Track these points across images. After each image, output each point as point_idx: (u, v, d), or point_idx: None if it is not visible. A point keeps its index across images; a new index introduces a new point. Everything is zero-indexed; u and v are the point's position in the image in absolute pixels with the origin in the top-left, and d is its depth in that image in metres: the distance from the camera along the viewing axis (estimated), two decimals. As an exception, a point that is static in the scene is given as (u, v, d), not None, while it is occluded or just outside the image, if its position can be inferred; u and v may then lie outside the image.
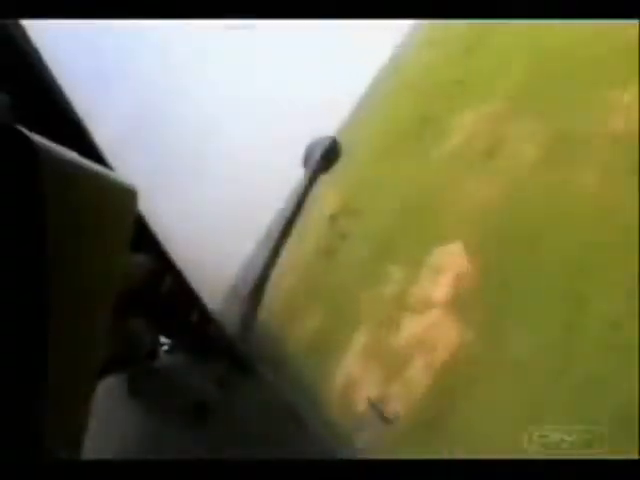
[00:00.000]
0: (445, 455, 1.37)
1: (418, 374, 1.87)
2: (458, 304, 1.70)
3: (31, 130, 0.68)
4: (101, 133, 1.47)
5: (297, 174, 3.41)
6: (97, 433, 1.38)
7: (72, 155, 0.79)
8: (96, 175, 0.93)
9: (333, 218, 2.76)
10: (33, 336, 0.72)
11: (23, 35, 1.06)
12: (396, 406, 3.31)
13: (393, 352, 1.90)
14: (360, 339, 2.11)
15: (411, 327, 1.89)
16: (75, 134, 1.32)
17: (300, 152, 3.52)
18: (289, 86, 3.18)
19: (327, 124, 3.40)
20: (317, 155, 3.36)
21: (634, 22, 1.32)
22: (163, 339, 2.33)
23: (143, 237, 1.94)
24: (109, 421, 1.64)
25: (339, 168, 3.41)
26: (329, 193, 3.05)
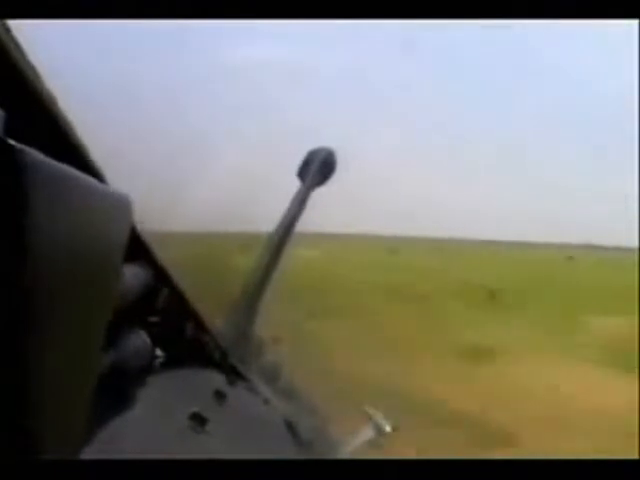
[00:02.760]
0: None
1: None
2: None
3: (23, 142, 0.67)
4: (97, 145, 1.47)
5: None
6: (94, 444, 1.37)
7: (64, 167, 0.79)
8: (89, 187, 0.92)
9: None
10: (15, 341, 0.71)
11: (14, 43, 1.06)
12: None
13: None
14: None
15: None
16: (69, 146, 1.32)
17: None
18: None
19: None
20: (314, 167, 3.35)
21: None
22: (159, 352, 2.32)
23: (138, 249, 1.94)
24: (106, 433, 1.62)
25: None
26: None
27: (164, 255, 2.15)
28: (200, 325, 2.58)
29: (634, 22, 1.44)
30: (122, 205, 1.07)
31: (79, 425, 1.04)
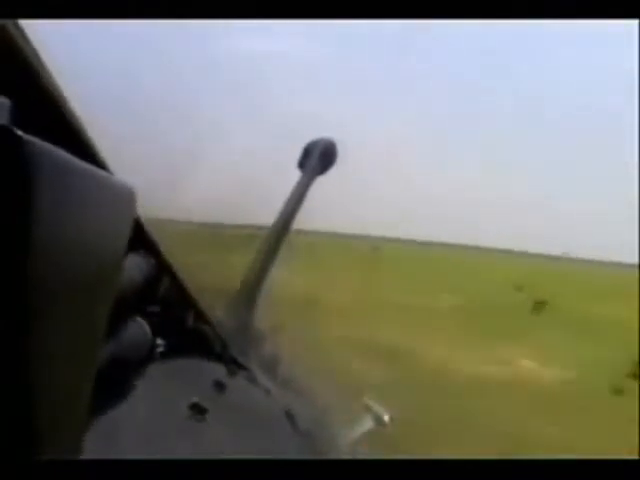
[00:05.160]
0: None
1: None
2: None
3: (28, 132, 0.68)
4: (100, 134, 1.47)
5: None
6: (94, 434, 1.37)
7: (70, 157, 0.79)
8: (94, 177, 0.92)
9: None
10: (14, 335, 0.71)
11: (22, 36, 1.06)
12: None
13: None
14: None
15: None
16: (73, 136, 1.32)
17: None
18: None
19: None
20: (314, 157, 3.36)
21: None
22: (160, 341, 2.33)
23: (140, 239, 1.95)
24: (106, 423, 1.63)
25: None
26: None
27: (164, 242, 2.16)
28: (200, 315, 2.59)
29: (634, 22, 1.44)
30: (126, 195, 1.07)
31: (80, 422, 1.04)
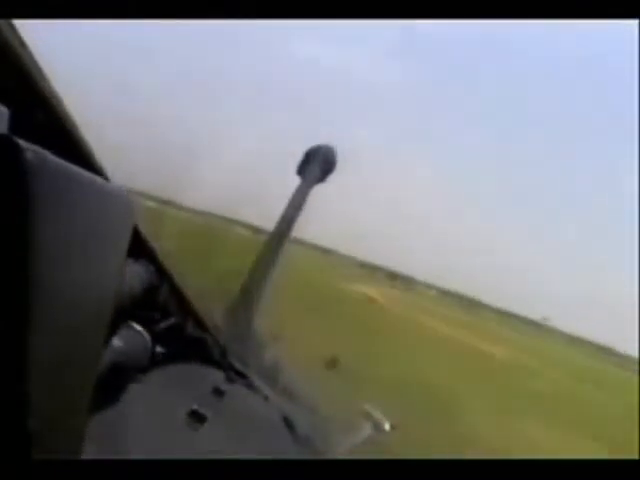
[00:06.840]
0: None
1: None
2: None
3: (27, 139, 0.68)
4: (99, 141, 1.47)
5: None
6: (93, 441, 1.37)
7: (69, 165, 0.79)
8: (94, 185, 0.92)
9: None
10: (11, 337, 0.71)
11: (19, 42, 1.06)
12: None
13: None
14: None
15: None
16: (72, 142, 1.32)
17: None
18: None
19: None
20: (314, 165, 3.35)
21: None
22: (159, 348, 2.32)
23: (139, 246, 1.95)
24: (105, 430, 1.63)
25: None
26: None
27: (171, 229, 2.16)
28: (199, 322, 2.59)
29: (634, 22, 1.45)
30: (125, 202, 1.07)
31: (79, 424, 1.04)
